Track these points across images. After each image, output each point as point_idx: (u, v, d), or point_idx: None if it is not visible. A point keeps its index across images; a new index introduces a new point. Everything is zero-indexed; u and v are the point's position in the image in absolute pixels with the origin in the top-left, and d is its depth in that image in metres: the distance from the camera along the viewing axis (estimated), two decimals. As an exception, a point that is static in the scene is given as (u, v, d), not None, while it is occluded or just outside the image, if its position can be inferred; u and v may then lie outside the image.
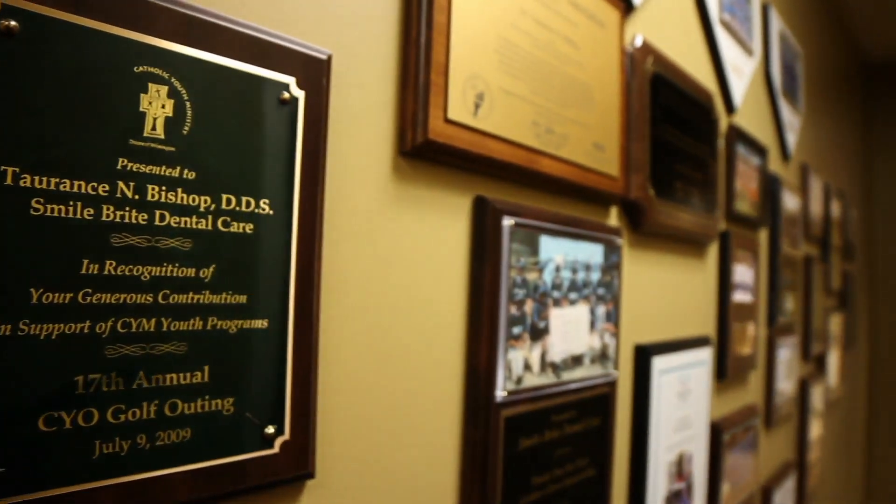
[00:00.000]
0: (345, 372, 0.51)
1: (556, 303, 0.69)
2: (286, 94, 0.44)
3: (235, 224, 0.42)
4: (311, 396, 0.46)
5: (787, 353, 1.72)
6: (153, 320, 0.38)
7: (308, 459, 0.46)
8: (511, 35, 0.63)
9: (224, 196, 0.41)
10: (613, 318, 0.81)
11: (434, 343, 0.59)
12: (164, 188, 0.39)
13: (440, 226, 0.60)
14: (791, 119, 1.79)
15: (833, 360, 2.33)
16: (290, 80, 0.45)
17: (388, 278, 0.55)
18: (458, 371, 0.61)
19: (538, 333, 0.66)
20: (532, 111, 0.66)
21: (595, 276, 0.76)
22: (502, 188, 0.67)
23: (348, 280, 0.51)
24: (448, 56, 0.56)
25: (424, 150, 0.56)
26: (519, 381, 0.64)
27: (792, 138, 1.79)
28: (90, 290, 0.36)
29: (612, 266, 0.80)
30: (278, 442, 0.44)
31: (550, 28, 0.69)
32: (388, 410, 0.55)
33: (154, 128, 0.38)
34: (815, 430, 2.05)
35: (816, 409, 2.06)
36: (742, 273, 1.35)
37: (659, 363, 0.95)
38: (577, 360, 0.73)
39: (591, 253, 0.75)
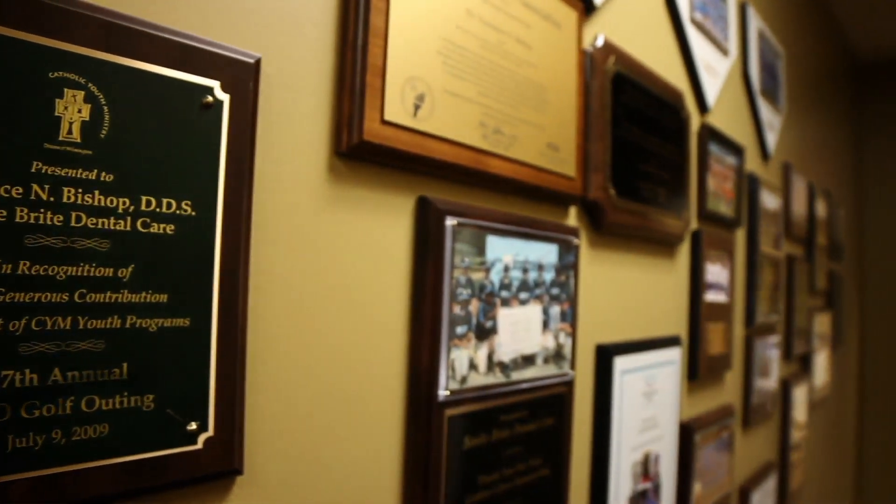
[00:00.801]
0: (278, 370, 0.52)
1: (505, 302, 0.71)
2: (209, 98, 0.46)
3: (155, 225, 0.43)
4: (238, 394, 0.47)
5: (767, 353, 1.73)
6: (69, 318, 0.39)
7: (234, 456, 0.47)
8: (456, 37, 0.65)
9: (144, 198, 0.43)
10: (569, 317, 0.82)
11: (374, 342, 0.60)
12: (80, 190, 0.40)
13: (381, 226, 0.61)
14: (771, 119, 1.80)
15: (819, 360, 2.35)
16: (215, 84, 0.46)
17: (324, 278, 0.56)
18: (401, 370, 0.63)
19: (485, 333, 0.68)
20: (479, 112, 0.67)
21: (549, 275, 0.78)
22: (449, 188, 0.68)
23: (281, 280, 0.53)
24: (385, 58, 0.57)
25: (361, 152, 0.57)
26: (463, 380, 0.65)
27: (772, 138, 1.80)
28: (3, 290, 0.37)
29: (567, 266, 0.81)
30: (201, 438, 0.45)
31: (500, 29, 0.71)
32: (326, 409, 0.56)
33: (70, 132, 0.40)
34: (799, 430, 2.07)
35: (800, 409, 2.07)
36: (716, 273, 1.36)
37: (621, 363, 0.96)
38: (528, 360, 0.74)
39: (545, 253, 0.77)
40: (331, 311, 0.57)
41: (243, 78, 0.48)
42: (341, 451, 0.57)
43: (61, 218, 0.39)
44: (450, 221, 0.63)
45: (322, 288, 0.56)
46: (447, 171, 0.65)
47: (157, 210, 0.43)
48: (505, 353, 0.71)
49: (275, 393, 0.52)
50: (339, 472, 0.57)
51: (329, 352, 0.56)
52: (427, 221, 0.63)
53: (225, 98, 0.47)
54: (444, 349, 0.63)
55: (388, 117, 0.57)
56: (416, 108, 0.60)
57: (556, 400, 0.80)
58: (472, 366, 0.66)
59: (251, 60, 0.48)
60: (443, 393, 0.62)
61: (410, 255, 0.63)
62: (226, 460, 0.47)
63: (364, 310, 0.59)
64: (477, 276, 0.67)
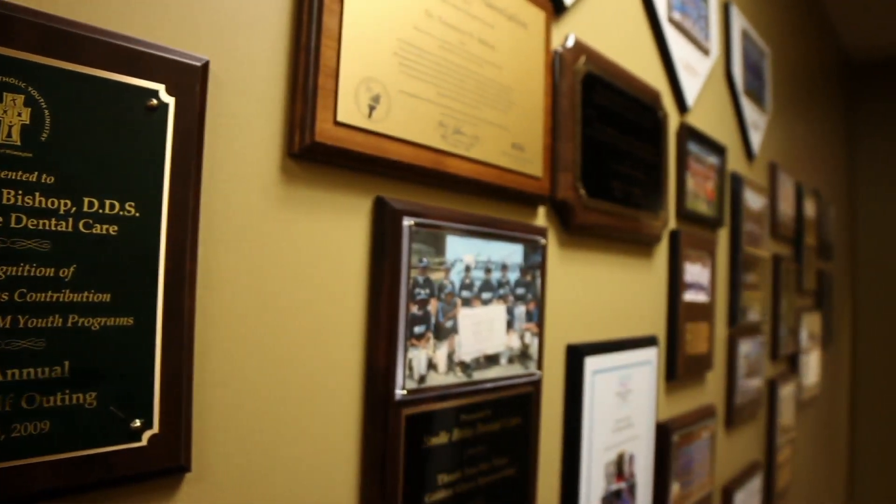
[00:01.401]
0: (230, 369, 0.54)
1: (467, 302, 0.72)
2: (154, 101, 0.47)
3: (98, 226, 0.44)
4: (185, 391, 0.48)
5: (751, 353, 1.75)
6: (8, 317, 0.40)
7: (181, 453, 0.48)
8: (414, 38, 0.66)
9: (86, 199, 0.44)
10: (536, 317, 0.83)
11: (330, 341, 0.61)
12: (20, 192, 0.41)
13: (337, 226, 0.62)
14: (756, 118, 1.82)
15: (808, 360, 2.36)
16: (160, 87, 0.47)
17: (278, 277, 0.57)
18: (358, 370, 0.64)
19: (444, 333, 0.69)
20: (438, 113, 0.68)
21: (513, 276, 0.79)
22: (408, 189, 0.69)
23: (233, 279, 0.54)
24: (339, 60, 0.58)
25: (313, 153, 0.58)
26: (422, 380, 0.66)
27: (756, 138, 1.82)
28: (-60, 290, 0.38)
29: (533, 266, 0.82)
30: (146, 435, 0.46)
31: (461, 30, 0.72)
32: (280, 408, 0.57)
33: (10, 135, 0.41)
34: (786, 430, 2.08)
35: (788, 409, 2.09)
36: (695, 273, 1.38)
37: (593, 363, 0.97)
38: (491, 360, 0.76)
39: (509, 253, 0.78)
40: (285, 309, 0.58)
41: (189, 81, 0.49)
42: (296, 450, 0.59)
43: (0, 219, 0.40)
44: (407, 222, 0.64)
45: (276, 287, 0.57)
46: (405, 171, 0.66)
47: (100, 211, 0.44)
48: (466, 352, 0.72)
49: (226, 391, 0.53)
50: (294, 470, 0.58)
51: (283, 351, 0.58)
52: (384, 222, 0.64)
53: (170, 101, 0.48)
54: (401, 349, 0.64)
55: (341, 118, 0.58)
56: (371, 109, 0.61)
57: (521, 400, 0.81)
58: (432, 365, 0.67)
59: (198, 63, 0.50)
60: (400, 392, 0.64)
61: (367, 255, 0.65)
62: (172, 457, 0.48)
63: (319, 309, 0.60)
64: (436, 276, 0.68)
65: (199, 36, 0.52)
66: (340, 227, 0.62)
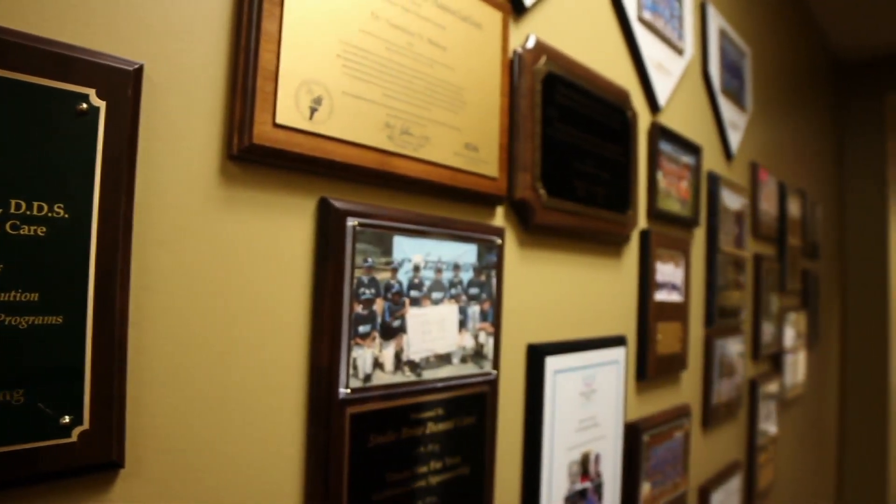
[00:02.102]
0: (169, 367, 0.55)
1: (415, 302, 0.73)
2: (84, 105, 0.48)
3: (26, 227, 0.46)
4: (116, 389, 0.50)
5: (730, 353, 1.77)
6: (-68, 318, 0.42)
7: (112, 448, 0.50)
8: (359, 40, 0.68)
9: (13, 201, 0.45)
10: (491, 317, 0.85)
11: (274, 340, 0.63)
12: (-56, 193, 0.42)
13: (280, 226, 0.64)
14: (734, 118, 1.84)
15: (792, 359, 2.39)
16: (90, 92, 0.49)
17: (219, 277, 0.59)
18: (302, 369, 0.65)
19: (391, 332, 0.71)
20: (384, 114, 0.70)
21: (466, 275, 0.81)
22: (357, 190, 0.71)
23: (171, 279, 0.55)
24: (278, 63, 0.60)
25: (253, 154, 0.59)
26: (367, 378, 0.68)
27: (735, 137, 1.84)
28: None
29: (488, 266, 0.84)
30: (76, 431, 0.48)
31: (410, 31, 0.74)
32: (221, 407, 0.59)
33: (-67, 137, 0.42)
34: (768, 429, 2.11)
35: (769, 408, 2.11)
36: (668, 272, 1.40)
37: (554, 363, 0.99)
38: (442, 359, 0.77)
39: (461, 253, 0.80)
40: (226, 309, 0.59)
41: (121, 85, 0.50)
42: (238, 448, 0.60)
43: (-76, 220, 0.42)
44: (351, 222, 0.66)
45: (216, 286, 0.58)
46: (351, 172, 0.68)
47: (28, 213, 0.46)
48: (415, 352, 0.73)
49: (164, 389, 0.55)
50: (235, 467, 0.60)
51: (225, 349, 0.59)
52: (327, 222, 0.66)
53: (101, 105, 0.49)
54: (344, 348, 0.65)
55: (280, 121, 0.60)
56: (313, 111, 0.63)
57: (476, 399, 0.82)
58: (378, 364, 0.69)
59: (130, 68, 0.51)
60: (343, 391, 0.65)
61: (312, 255, 0.66)
62: (103, 453, 0.49)
63: (262, 308, 0.62)
64: (382, 275, 0.69)
65: (136, 41, 0.54)
66: (284, 227, 0.64)
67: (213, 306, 0.58)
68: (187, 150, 0.57)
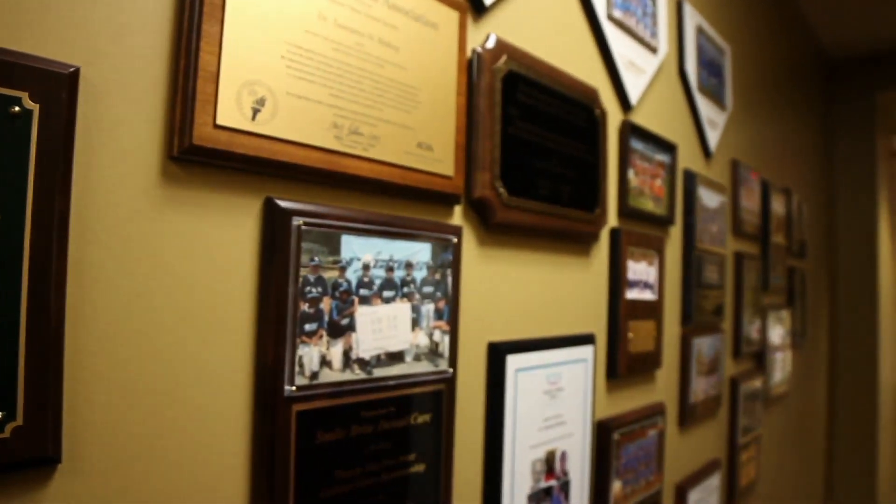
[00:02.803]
0: (109, 365, 0.57)
1: (365, 301, 0.75)
2: (16, 108, 0.50)
3: (-45, 227, 0.47)
4: (52, 385, 0.52)
5: (709, 351, 1.79)
6: None
7: (48, 444, 0.51)
8: (304, 41, 0.69)
9: (-58, 201, 0.47)
10: (447, 316, 0.87)
11: (217, 339, 0.64)
12: None
13: (225, 226, 0.65)
14: (713, 116, 1.86)
15: (776, 357, 2.41)
16: (23, 95, 0.50)
17: (161, 275, 0.60)
18: (247, 367, 0.67)
19: (340, 330, 0.72)
20: (331, 114, 0.71)
21: (420, 274, 0.82)
22: (306, 190, 0.72)
23: (110, 278, 0.57)
24: (219, 65, 0.62)
25: (194, 155, 0.61)
26: (314, 376, 0.69)
27: (713, 135, 1.86)
28: None
29: (443, 265, 0.86)
30: (8, 427, 0.49)
31: (359, 32, 0.75)
32: (163, 404, 0.60)
33: None
34: (750, 427, 2.13)
35: (752, 406, 2.13)
36: (640, 271, 1.42)
37: (516, 361, 1.01)
38: (395, 358, 0.79)
39: (414, 252, 0.81)
40: (169, 307, 0.61)
41: (55, 88, 0.52)
42: (182, 444, 0.62)
43: None
44: (296, 221, 0.68)
45: (158, 285, 0.60)
46: (298, 172, 0.69)
47: (-43, 213, 0.47)
48: (366, 350, 0.75)
49: (104, 386, 0.56)
50: (179, 463, 0.62)
51: (167, 347, 0.61)
52: (272, 222, 0.67)
53: (34, 108, 0.51)
54: (289, 346, 0.67)
55: (221, 122, 0.61)
56: (256, 111, 0.64)
57: (431, 397, 0.84)
58: (325, 362, 0.71)
59: (65, 71, 0.53)
60: (289, 388, 0.67)
61: (258, 254, 0.68)
62: (38, 448, 0.51)
63: (205, 306, 0.64)
64: (330, 274, 0.71)
65: (74, 44, 0.55)
66: (228, 226, 0.66)
67: (155, 304, 0.60)
68: (127, 151, 0.58)
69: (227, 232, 0.66)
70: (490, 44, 0.97)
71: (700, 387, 1.74)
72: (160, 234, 0.60)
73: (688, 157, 1.72)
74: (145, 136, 0.60)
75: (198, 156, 0.61)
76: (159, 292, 0.60)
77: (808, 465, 3.07)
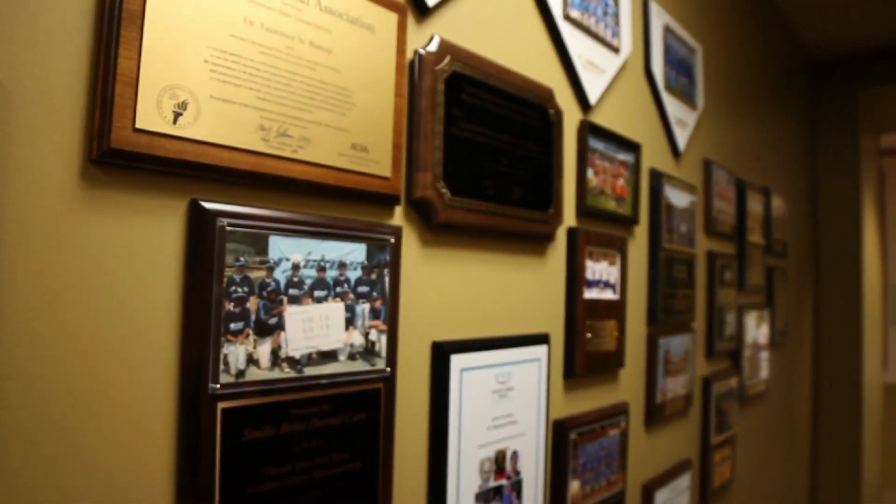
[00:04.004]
0: (27, 366, 0.59)
1: (295, 300, 0.78)
2: (-78, 111, 0.52)
3: None
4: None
5: (677, 351, 1.82)
6: None
7: (-43, 444, 0.54)
8: (229, 45, 0.72)
9: None
10: (384, 315, 0.89)
11: (141, 338, 0.67)
12: None
13: (150, 227, 0.68)
14: (682, 116, 1.89)
15: (752, 357, 2.44)
16: (-71, 97, 0.53)
17: (82, 276, 0.63)
18: (173, 366, 0.69)
19: (267, 329, 0.75)
20: (258, 117, 0.74)
21: (354, 274, 0.85)
22: (234, 192, 0.75)
23: (27, 279, 0.59)
24: (139, 70, 0.64)
25: (114, 158, 0.63)
26: (240, 374, 0.72)
27: (683, 134, 1.89)
28: None
29: (379, 265, 0.88)
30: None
31: (288, 35, 0.78)
32: (85, 403, 0.63)
33: None
34: (724, 426, 2.16)
35: (726, 406, 2.16)
36: (600, 270, 1.44)
37: (461, 361, 1.03)
38: (327, 356, 0.81)
39: (348, 252, 0.84)
40: (90, 307, 0.63)
41: (-36, 92, 0.54)
42: (105, 443, 0.64)
43: None
44: (221, 222, 0.70)
45: (79, 285, 0.62)
46: (224, 174, 0.72)
47: None
48: (296, 349, 0.78)
49: (23, 386, 0.59)
50: (103, 462, 0.64)
51: (89, 347, 0.63)
52: (197, 223, 0.70)
53: (-58, 111, 0.53)
54: (213, 344, 0.69)
55: (140, 125, 0.64)
56: (178, 115, 0.67)
57: (367, 396, 0.87)
58: (252, 361, 0.73)
59: (-26, 75, 0.55)
60: (213, 386, 0.69)
61: (183, 255, 0.70)
62: (-53, 447, 0.53)
63: (130, 306, 0.66)
64: (256, 274, 0.74)
65: (-12, 49, 0.57)
66: (153, 227, 0.68)
67: (76, 304, 0.62)
68: (45, 156, 0.61)
69: (152, 232, 0.68)
70: (433, 45, 1.00)
71: (668, 386, 1.77)
72: (80, 235, 0.63)
73: (654, 157, 1.75)
74: (64, 140, 0.62)
75: (117, 159, 0.64)
76: (81, 292, 0.63)
77: (792, 465, 3.11)
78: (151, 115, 0.65)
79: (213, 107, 0.70)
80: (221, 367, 0.70)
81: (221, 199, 0.73)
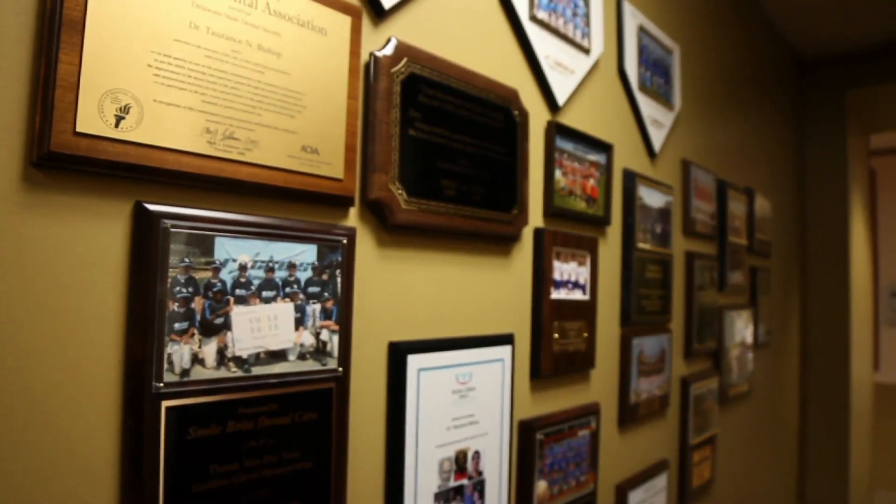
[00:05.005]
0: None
1: (242, 300, 0.80)
2: None
3: None
4: None
5: (652, 351, 1.85)
6: None
7: None
8: (173, 49, 0.74)
9: None
10: (336, 315, 0.92)
11: (85, 338, 0.69)
12: None
13: (94, 229, 0.70)
14: (657, 116, 1.92)
15: (734, 357, 2.47)
16: None
17: (22, 278, 0.65)
18: (118, 365, 0.72)
19: (213, 329, 0.77)
20: (203, 120, 0.76)
21: (304, 275, 0.87)
22: (183, 194, 0.77)
23: (-35, 280, 0.62)
24: (79, 74, 0.67)
25: (55, 162, 0.66)
26: (185, 373, 0.74)
27: (658, 135, 1.92)
28: None
29: (331, 265, 0.91)
30: None
31: (235, 39, 0.80)
32: (27, 402, 0.65)
33: None
34: (703, 427, 2.19)
35: (705, 406, 2.19)
36: (569, 271, 1.47)
37: (418, 361, 1.06)
38: (276, 356, 0.84)
39: (298, 252, 0.86)
40: (32, 307, 0.66)
41: None
42: (49, 441, 0.66)
43: None
44: (165, 224, 0.73)
45: (20, 286, 0.65)
46: (170, 177, 0.74)
47: None
48: (243, 348, 0.80)
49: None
50: (45, 458, 0.66)
51: (31, 347, 0.65)
52: (141, 224, 0.72)
53: None
54: (157, 344, 0.72)
55: (81, 129, 0.66)
56: (119, 119, 0.69)
57: (318, 395, 0.89)
58: (198, 360, 0.76)
59: (-90, 81, 0.57)
60: (157, 385, 0.72)
61: (128, 256, 0.73)
62: None
63: (73, 307, 0.68)
64: (202, 275, 0.76)
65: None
66: (98, 228, 0.70)
67: (17, 304, 0.65)
68: (-16, 158, 0.63)
69: (96, 234, 0.70)
70: (389, 47, 1.02)
71: (642, 387, 1.80)
72: (21, 237, 0.65)
73: (629, 157, 1.78)
74: (4, 144, 0.64)
75: (58, 162, 0.66)
76: (25, 294, 0.65)
77: (779, 465, 3.14)
78: (92, 119, 0.67)
79: (157, 110, 0.72)
80: (165, 366, 0.73)
81: (168, 202, 0.76)
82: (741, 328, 2.53)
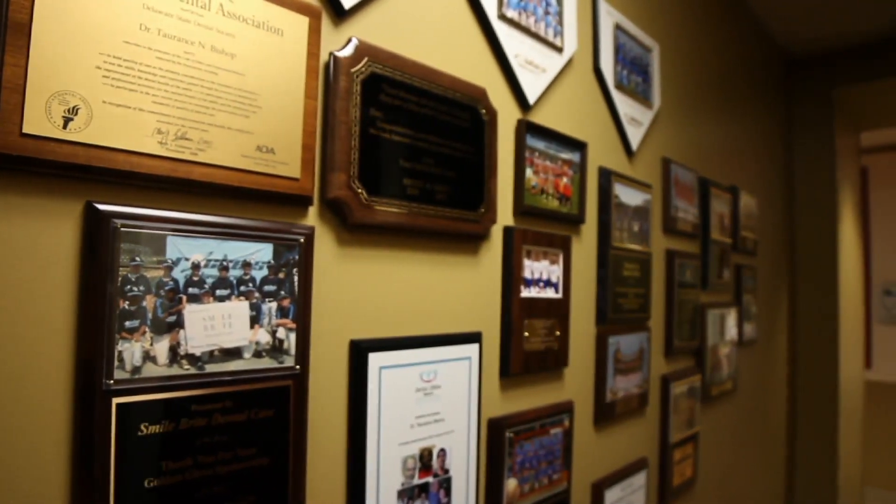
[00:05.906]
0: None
1: (195, 299, 0.82)
2: None
3: None
4: None
5: (629, 349, 1.87)
6: None
7: None
8: (123, 51, 0.76)
9: None
10: (293, 314, 0.94)
11: (36, 337, 0.71)
12: None
13: (45, 229, 0.72)
14: (635, 114, 1.94)
15: (717, 355, 2.50)
16: None
17: (-32, 277, 0.67)
18: (68, 363, 0.74)
19: (165, 327, 0.79)
20: (153, 121, 0.79)
21: (259, 273, 0.90)
22: (134, 194, 0.79)
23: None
24: (26, 77, 0.69)
25: (3, 163, 0.68)
26: (136, 371, 0.77)
27: (636, 133, 1.94)
28: None
29: (287, 264, 0.93)
30: None
31: (188, 40, 0.82)
32: (-27, 397, 0.67)
33: None
34: (684, 425, 2.22)
35: (687, 405, 2.22)
36: (540, 269, 1.50)
37: (380, 359, 1.08)
38: (230, 354, 0.86)
39: (253, 251, 0.89)
40: (-21, 307, 0.68)
41: None
42: (-5, 436, 0.69)
43: None
44: (115, 223, 0.75)
45: (-37, 286, 0.67)
46: (121, 177, 0.76)
47: None
48: (196, 346, 0.82)
49: None
50: (-8, 455, 0.69)
51: (-22, 345, 0.68)
52: (91, 224, 0.74)
53: None
54: (107, 341, 0.74)
55: (28, 130, 0.69)
56: (67, 120, 0.71)
57: (275, 392, 0.91)
58: (149, 357, 0.78)
59: None
60: (107, 382, 0.74)
61: (79, 255, 0.75)
62: None
63: (23, 306, 0.71)
64: (153, 274, 0.78)
65: None
66: (48, 229, 0.73)
67: (-36, 304, 0.67)
68: (-70, 159, 0.65)
69: (46, 234, 0.73)
70: (349, 47, 1.05)
71: (619, 385, 1.82)
72: (-33, 236, 0.67)
73: (605, 156, 1.81)
74: (-50, 145, 0.67)
75: (5, 163, 0.68)
76: (-32, 292, 0.67)
77: (767, 463, 3.17)
78: (39, 120, 0.69)
79: (106, 111, 0.74)
80: (116, 363, 0.75)
81: (121, 202, 0.78)
82: (725, 326, 2.56)
